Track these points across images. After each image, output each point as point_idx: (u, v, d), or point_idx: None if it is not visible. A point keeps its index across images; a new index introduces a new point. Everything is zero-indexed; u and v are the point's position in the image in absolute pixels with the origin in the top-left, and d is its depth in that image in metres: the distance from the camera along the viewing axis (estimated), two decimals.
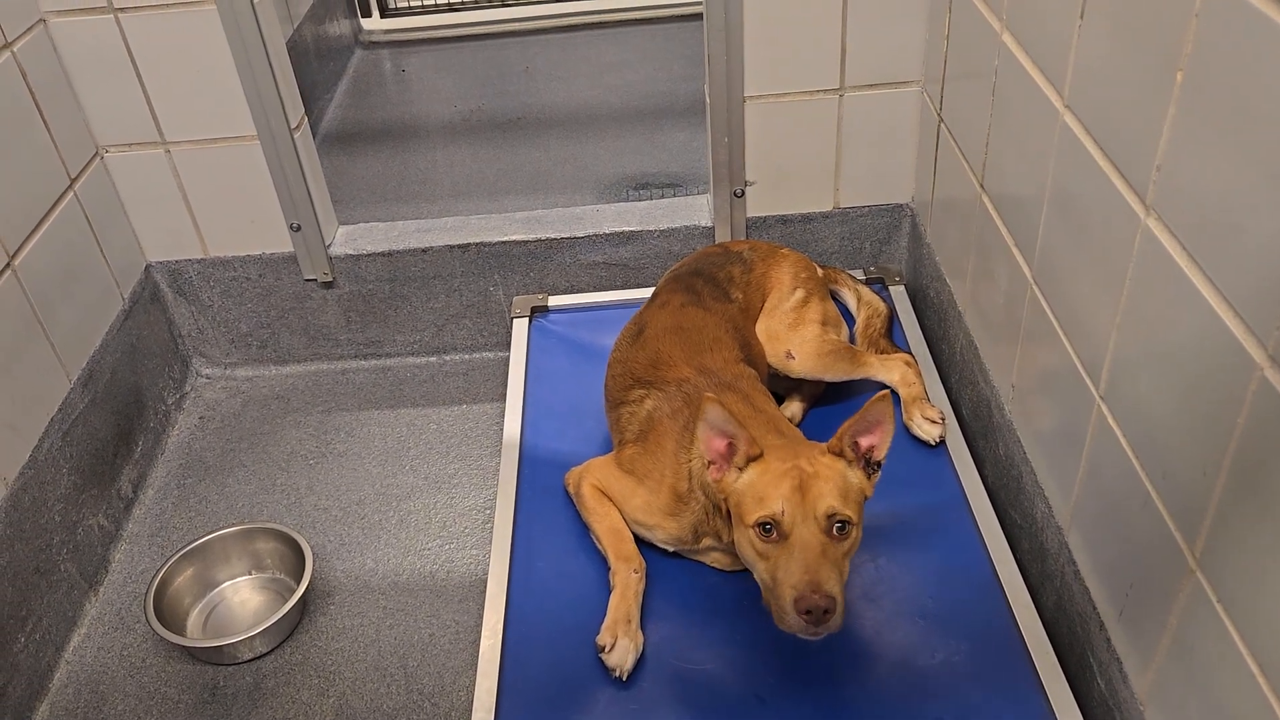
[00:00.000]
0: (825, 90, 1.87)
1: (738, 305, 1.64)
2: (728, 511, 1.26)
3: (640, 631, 1.33)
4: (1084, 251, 1.21)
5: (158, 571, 1.67)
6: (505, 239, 2.05)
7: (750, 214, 2.01)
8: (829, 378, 1.65)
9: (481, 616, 1.42)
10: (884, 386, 1.67)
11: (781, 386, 1.68)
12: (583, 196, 2.57)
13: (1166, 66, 0.97)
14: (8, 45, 1.67)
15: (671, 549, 1.44)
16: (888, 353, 1.73)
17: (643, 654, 1.32)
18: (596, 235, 2.04)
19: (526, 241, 2.05)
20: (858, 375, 1.66)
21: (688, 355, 1.49)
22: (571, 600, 1.41)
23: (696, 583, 1.42)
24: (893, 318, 1.84)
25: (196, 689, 1.58)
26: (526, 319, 1.96)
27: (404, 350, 2.19)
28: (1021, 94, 1.37)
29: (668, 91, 3.02)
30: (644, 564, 1.40)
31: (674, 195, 2.51)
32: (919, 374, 1.68)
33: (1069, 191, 1.24)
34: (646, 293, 1.78)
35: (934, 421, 1.60)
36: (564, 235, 2.04)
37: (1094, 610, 1.25)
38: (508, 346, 1.94)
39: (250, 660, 1.61)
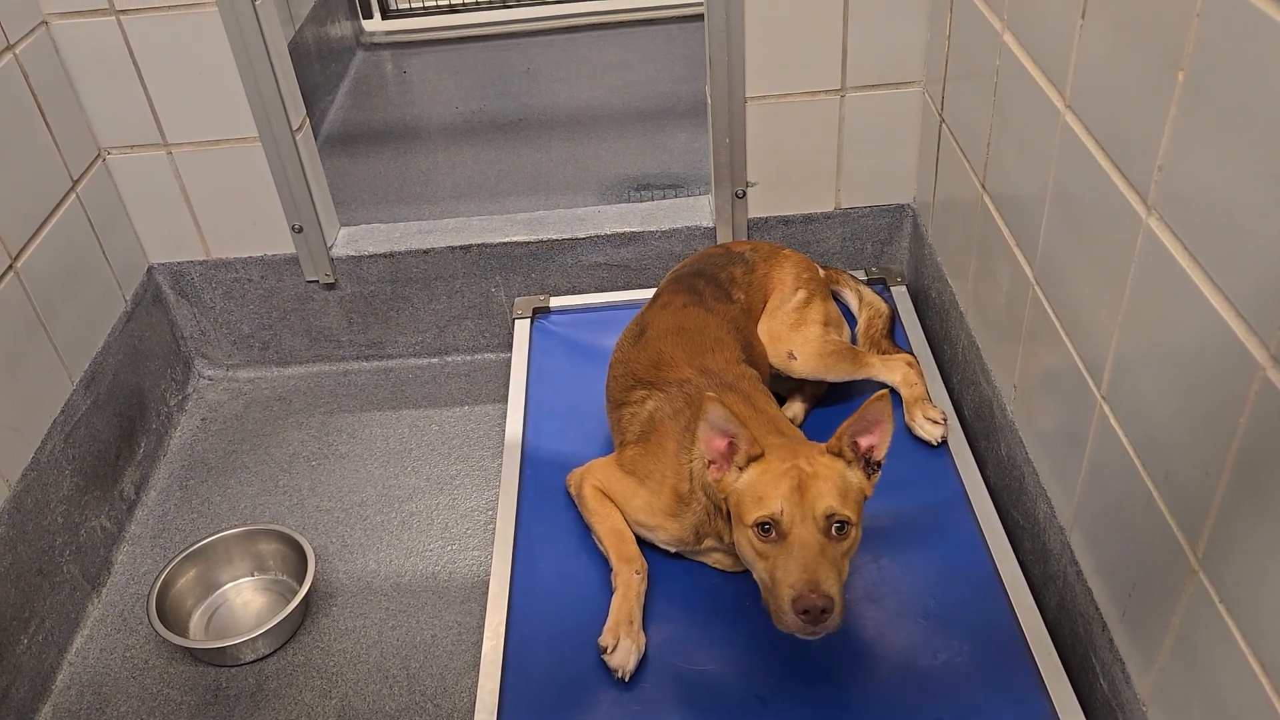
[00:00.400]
0: (826, 91, 1.87)
1: (740, 306, 1.64)
2: (728, 512, 1.26)
3: (642, 633, 1.33)
4: (1086, 251, 1.21)
5: (160, 573, 1.67)
6: (507, 240, 2.05)
7: (752, 215, 2.01)
8: (831, 378, 1.65)
9: (484, 618, 1.42)
10: (886, 387, 1.67)
11: (784, 388, 1.68)
12: (584, 197, 2.57)
13: (1168, 66, 0.97)
14: (10, 47, 1.67)
15: (673, 550, 1.44)
16: (889, 353, 1.73)
17: (645, 655, 1.32)
18: (598, 236, 2.04)
19: (528, 242, 2.05)
20: (860, 376, 1.66)
21: (689, 356, 1.49)
22: (573, 601, 1.41)
23: (698, 584, 1.42)
24: (894, 318, 1.84)
25: (199, 690, 1.58)
26: (528, 320, 1.96)
27: (406, 351, 2.19)
28: (1023, 94, 1.37)
29: (669, 92, 3.02)
30: (646, 565, 1.40)
31: (675, 196, 2.51)
32: (921, 374, 1.68)
33: (1070, 191, 1.24)
34: (648, 293, 1.78)
35: (936, 422, 1.60)
36: (565, 236, 2.04)
37: (1096, 611, 1.25)
38: (509, 347, 1.94)
39: (253, 661, 1.61)
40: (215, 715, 1.54)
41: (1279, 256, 0.84)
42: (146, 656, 1.64)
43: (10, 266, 1.63)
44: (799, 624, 1.12)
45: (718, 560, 1.42)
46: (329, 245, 2.05)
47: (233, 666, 1.60)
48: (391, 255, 2.06)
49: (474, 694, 1.32)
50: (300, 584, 1.64)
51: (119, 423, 1.89)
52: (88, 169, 1.87)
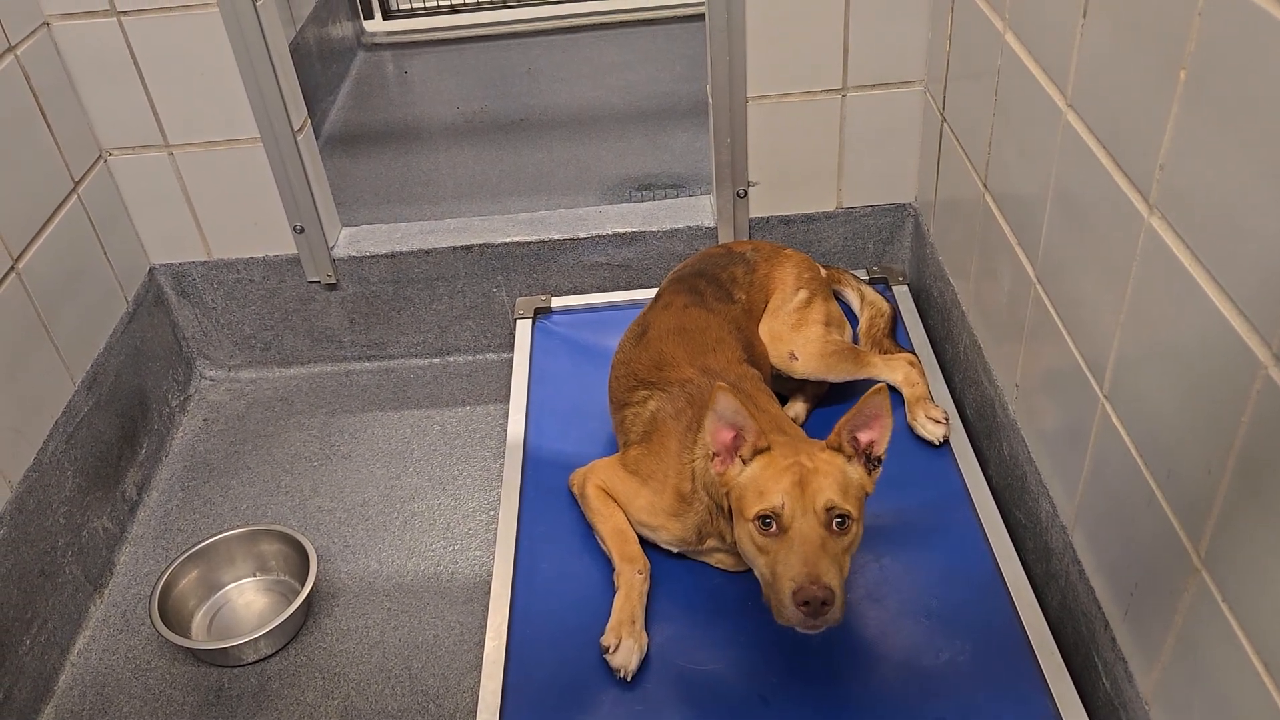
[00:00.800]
0: (828, 90, 1.87)
1: (741, 306, 1.64)
2: (730, 511, 1.26)
3: (645, 632, 1.33)
4: (1087, 250, 1.21)
5: (162, 573, 1.67)
6: (508, 240, 2.05)
7: (753, 214, 2.01)
8: (832, 378, 1.65)
9: (486, 618, 1.42)
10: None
11: (785, 387, 1.68)
12: (585, 197, 2.57)
13: (1169, 65, 0.97)
14: (11, 49, 1.67)
15: (676, 550, 1.44)
16: (891, 353, 1.73)
17: (647, 655, 1.32)
18: (599, 236, 2.04)
19: (529, 243, 2.05)
20: (861, 375, 1.66)
21: (691, 356, 1.49)
22: (575, 601, 1.41)
23: (700, 584, 1.42)
24: (896, 317, 1.84)
25: (201, 691, 1.58)
26: (530, 320, 1.96)
27: (407, 352, 2.19)
28: (1024, 93, 1.37)
29: (670, 92, 3.02)
30: (648, 565, 1.40)
31: (677, 196, 2.51)
32: (923, 374, 1.67)
33: (1072, 191, 1.24)
34: (649, 294, 1.78)
35: (938, 421, 1.60)
36: (567, 236, 2.04)
37: (1099, 609, 1.25)
38: (511, 348, 1.94)
39: (255, 662, 1.61)
40: (218, 716, 1.54)
41: None
42: (149, 657, 1.64)
43: (12, 268, 1.63)
44: (799, 616, 1.11)
45: (720, 560, 1.42)
46: (330, 246, 2.06)
47: (235, 667, 1.60)
48: (393, 256, 2.06)
49: (476, 694, 1.32)
50: (302, 584, 1.64)
51: (121, 423, 1.89)
52: (89, 170, 1.87)
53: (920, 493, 1.53)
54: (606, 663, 1.31)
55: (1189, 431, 1.00)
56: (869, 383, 1.67)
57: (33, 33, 1.73)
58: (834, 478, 1.17)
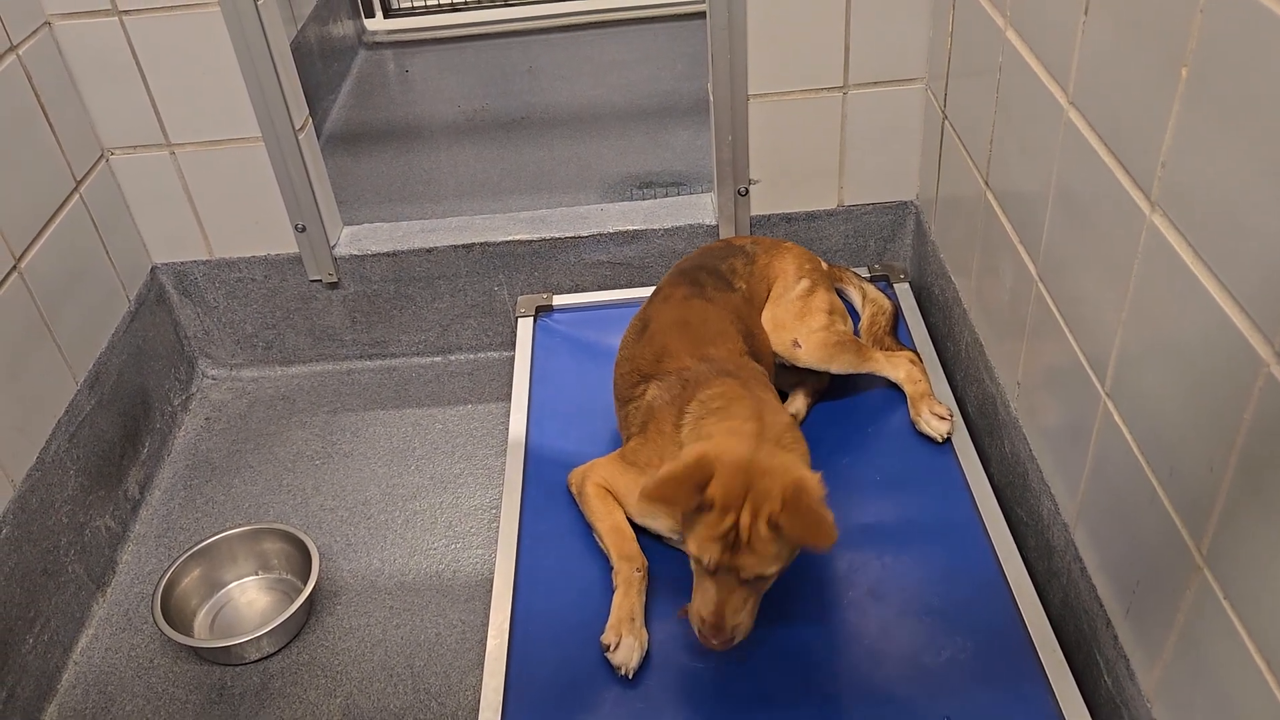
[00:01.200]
0: (829, 88, 1.87)
1: (741, 295, 1.64)
2: None
3: (645, 630, 1.33)
4: (1089, 248, 1.21)
5: (165, 572, 1.67)
6: (509, 239, 2.05)
7: (754, 212, 2.01)
8: (835, 369, 1.64)
9: (488, 616, 1.42)
10: (890, 383, 1.67)
11: (786, 383, 1.68)
12: (587, 196, 2.57)
13: (1171, 62, 0.97)
14: (13, 48, 1.68)
15: (677, 538, 1.44)
16: (892, 350, 1.73)
17: (649, 652, 1.32)
18: (601, 234, 2.04)
19: (531, 241, 2.05)
20: (864, 370, 1.65)
21: (692, 347, 1.49)
22: (577, 599, 1.41)
23: None
24: (898, 315, 1.83)
25: (204, 689, 1.58)
26: (531, 318, 1.96)
27: (409, 350, 2.19)
28: (1026, 91, 1.37)
29: (671, 90, 3.02)
30: (646, 563, 1.40)
31: (678, 194, 2.51)
32: (924, 371, 1.67)
33: (1074, 188, 1.24)
34: (651, 291, 1.78)
35: (943, 418, 1.60)
36: (568, 235, 2.04)
37: (1100, 607, 1.25)
38: (512, 346, 1.94)
39: (257, 660, 1.61)
40: (220, 714, 1.55)
41: None
42: (151, 655, 1.64)
43: (14, 267, 1.63)
44: (704, 639, 1.22)
45: None
46: (332, 244, 2.06)
47: (237, 665, 1.61)
48: (394, 254, 2.06)
49: (478, 692, 1.32)
50: (304, 583, 1.64)
51: (123, 422, 1.89)
52: (91, 169, 1.88)
53: (921, 491, 1.53)
54: (607, 661, 1.31)
55: (1191, 429, 1.00)
56: (871, 380, 1.68)
57: (34, 32, 1.73)
58: (763, 555, 1.18)
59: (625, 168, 2.68)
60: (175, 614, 1.64)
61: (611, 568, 1.41)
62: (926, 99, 1.87)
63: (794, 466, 1.21)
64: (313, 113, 2.04)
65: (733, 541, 1.18)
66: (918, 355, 1.73)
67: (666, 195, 2.50)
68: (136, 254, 2.01)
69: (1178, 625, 1.06)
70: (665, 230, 2.03)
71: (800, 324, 1.63)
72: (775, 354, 1.62)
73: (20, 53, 1.69)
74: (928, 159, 1.90)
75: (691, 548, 1.21)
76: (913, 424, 1.62)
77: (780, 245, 1.76)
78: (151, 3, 1.76)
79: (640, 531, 1.45)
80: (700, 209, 2.06)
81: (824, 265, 1.78)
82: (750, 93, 1.86)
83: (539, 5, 3.54)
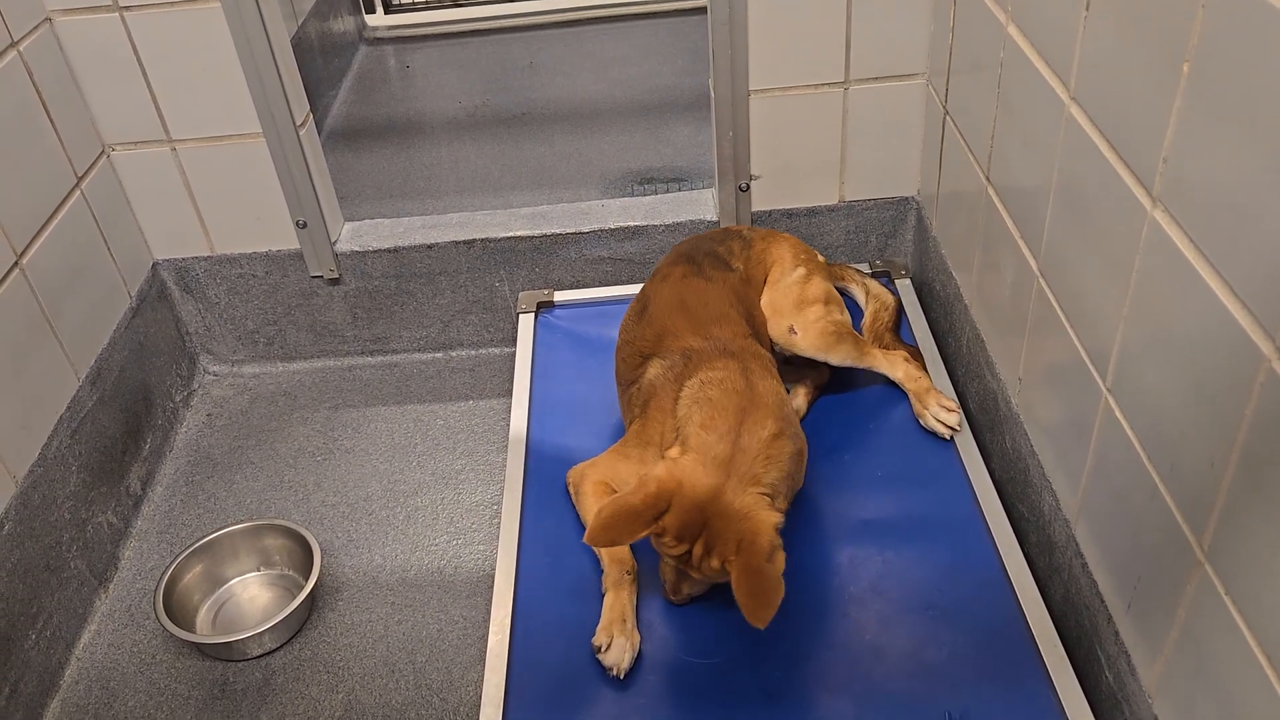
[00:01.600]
0: (830, 84, 1.86)
1: (739, 275, 1.64)
2: None
3: (637, 630, 1.33)
4: (1090, 244, 1.21)
5: (167, 568, 1.67)
6: (511, 234, 2.05)
7: (755, 208, 2.00)
8: (833, 360, 1.63)
9: (489, 612, 1.42)
10: (888, 381, 1.67)
11: (788, 378, 1.68)
12: (588, 191, 2.57)
13: (1173, 58, 0.97)
14: (14, 44, 1.68)
15: None
16: (891, 348, 1.72)
17: (642, 650, 1.32)
18: (602, 230, 2.04)
19: (532, 237, 2.05)
20: (861, 364, 1.65)
21: (694, 327, 1.49)
22: (579, 595, 1.41)
23: None
24: (901, 311, 1.83)
25: (206, 685, 1.59)
26: (532, 314, 1.96)
27: (410, 346, 2.19)
28: (1027, 86, 1.36)
29: (672, 86, 3.02)
30: (636, 565, 1.39)
31: (679, 190, 2.51)
32: (922, 367, 1.67)
33: (1075, 184, 1.24)
34: None
35: (950, 409, 1.59)
36: (569, 230, 2.04)
37: (1102, 603, 1.25)
38: (514, 342, 1.94)
39: (259, 656, 1.61)
40: (222, 710, 1.55)
41: None
42: (154, 651, 1.64)
43: (15, 264, 1.64)
44: (665, 597, 1.37)
45: None
46: (333, 240, 2.06)
47: (239, 661, 1.61)
48: (395, 250, 2.06)
49: (480, 688, 1.33)
50: (306, 579, 1.64)
51: (125, 419, 1.89)
52: (92, 166, 1.88)
53: (923, 486, 1.53)
54: (599, 662, 1.31)
55: (1192, 425, 1.00)
56: (871, 376, 1.68)
57: (35, 28, 1.73)
58: (712, 576, 1.25)
59: (626, 163, 2.68)
60: (177, 610, 1.64)
61: (602, 570, 1.41)
62: (928, 94, 1.87)
63: (751, 515, 1.21)
64: (313, 108, 2.04)
65: (685, 560, 1.25)
66: (916, 352, 1.73)
67: (668, 191, 2.50)
68: (138, 250, 2.02)
69: (1179, 621, 1.06)
70: (666, 226, 2.03)
71: (797, 312, 1.62)
72: (773, 342, 1.62)
73: (21, 49, 1.69)
74: (929, 154, 1.90)
75: (653, 544, 1.29)
76: (918, 421, 1.61)
77: (776, 234, 1.76)
78: None
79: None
80: (701, 204, 2.06)
81: (820, 258, 1.77)
82: (751, 88, 1.86)
83: (539, 0, 3.54)
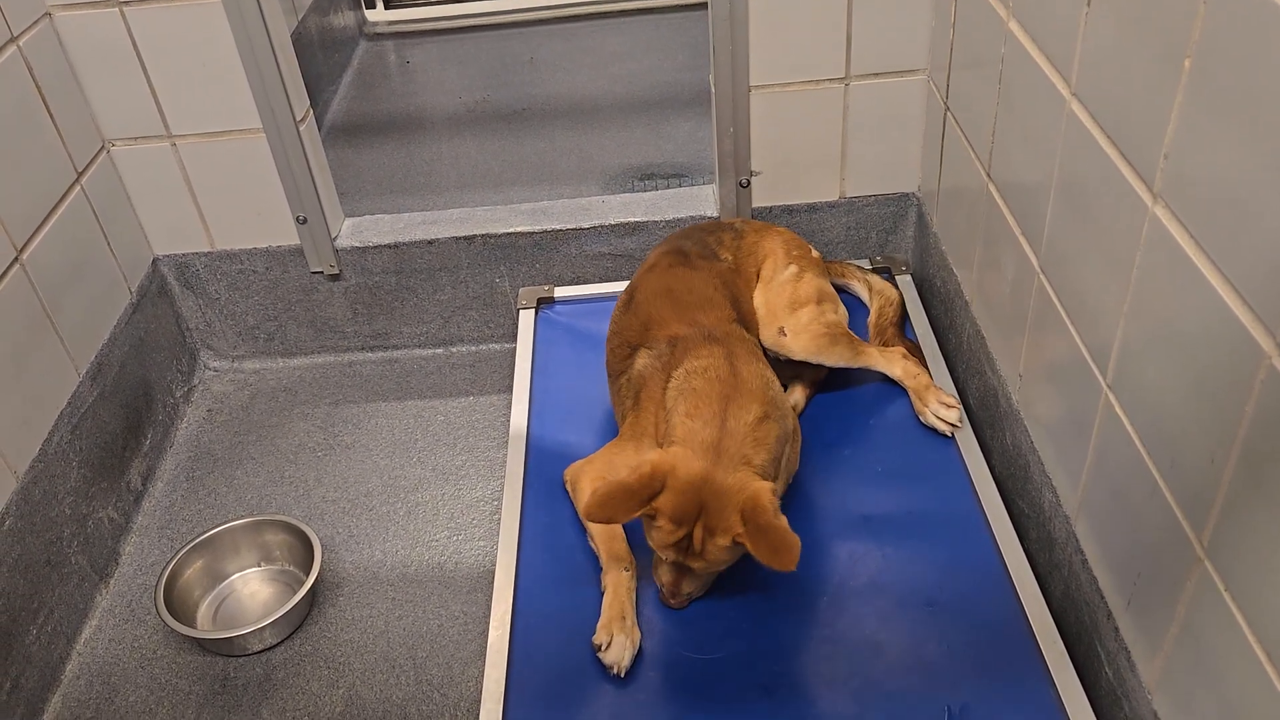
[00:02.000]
0: (831, 79, 1.86)
1: (728, 265, 1.64)
2: None
3: (637, 628, 1.33)
4: (1091, 239, 1.21)
5: (168, 564, 1.68)
6: (511, 230, 2.05)
7: (756, 204, 2.00)
8: (828, 362, 1.62)
9: (489, 607, 1.42)
10: (888, 379, 1.67)
11: (785, 375, 1.67)
12: (588, 187, 2.57)
13: (1174, 53, 0.97)
14: (14, 39, 1.67)
15: None
16: (892, 344, 1.72)
17: (649, 644, 1.33)
18: (602, 226, 2.04)
19: (532, 233, 2.05)
20: (857, 364, 1.64)
21: (679, 314, 1.49)
22: (579, 590, 1.41)
23: None
24: (904, 306, 1.83)
25: (207, 680, 1.59)
26: (533, 310, 1.96)
27: (410, 342, 2.19)
28: (1028, 82, 1.36)
29: (672, 82, 3.01)
30: (635, 563, 1.39)
31: (679, 186, 2.51)
32: (921, 363, 1.67)
33: (1076, 180, 1.24)
34: None
35: (951, 405, 1.59)
36: (569, 226, 2.04)
37: (1101, 599, 1.25)
38: (514, 338, 1.94)
39: (260, 652, 1.62)
40: (223, 705, 1.55)
41: None
42: (155, 646, 1.65)
43: (16, 259, 1.64)
44: (663, 601, 1.36)
45: None
46: (333, 236, 2.06)
47: (240, 656, 1.61)
48: (396, 246, 2.06)
49: (480, 683, 1.33)
50: (307, 574, 1.65)
51: (125, 414, 1.89)
52: (92, 161, 1.87)
53: (923, 482, 1.53)
54: (599, 660, 1.31)
55: (1192, 421, 1.00)
56: (870, 374, 1.67)
57: (35, 23, 1.73)
58: (714, 558, 1.26)
59: (627, 159, 2.68)
60: (178, 605, 1.64)
61: (600, 569, 1.41)
62: (929, 90, 1.86)
63: (746, 485, 1.22)
64: (314, 104, 2.04)
65: (685, 548, 1.25)
66: (916, 347, 1.73)
67: (668, 187, 2.50)
68: (138, 246, 2.01)
69: (1179, 617, 1.06)
70: (667, 222, 2.03)
71: (789, 314, 1.61)
72: (764, 348, 1.60)
73: (21, 44, 1.69)
74: (929, 150, 1.90)
75: (649, 542, 1.29)
76: (919, 419, 1.61)
77: (770, 227, 1.76)
78: None
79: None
80: (702, 200, 2.06)
81: (814, 253, 1.76)
82: (752, 84, 1.85)
83: None
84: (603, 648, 1.30)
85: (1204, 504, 0.99)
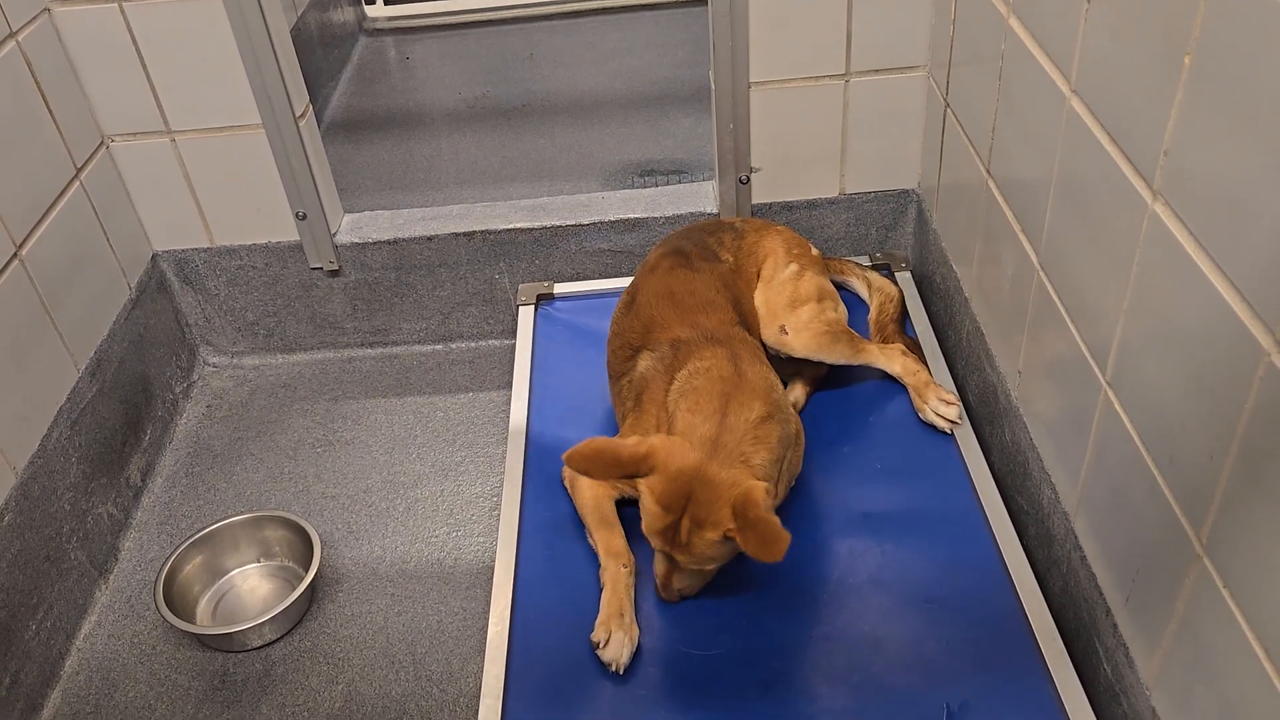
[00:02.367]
0: (831, 76, 1.86)
1: (729, 266, 1.64)
2: None
3: (635, 625, 1.34)
4: (1091, 237, 1.21)
5: (167, 559, 1.68)
6: (510, 226, 2.05)
7: (756, 200, 2.00)
8: (828, 360, 1.63)
9: (489, 603, 1.42)
10: (887, 376, 1.67)
11: (784, 372, 1.67)
12: (588, 183, 2.57)
13: (1174, 50, 0.97)
14: (12, 35, 1.67)
15: None
16: (892, 340, 1.72)
17: (648, 640, 1.33)
18: (602, 222, 2.04)
19: (532, 229, 2.05)
20: (858, 361, 1.64)
21: (681, 316, 1.49)
22: (578, 586, 1.41)
23: None
24: (905, 302, 1.83)
25: (206, 676, 1.59)
26: (532, 306, 1.96)
27: (410, 338, 2.19)
28: (1028, 79, 1.36)
29: (672, 78, 3.01)
30: (633, 559, 1.40)
31: (679, 182, 2.50)
32: (920, 360, 1.67)
33: (1076, 177, 1.24)
34: None
35: (950, 403, 1.59)
36: (569, 222, 2.04)
37: (1100, 596, 1.25)
38: (514, 334, 1.94)
39: (259, 647, 1.62)
40: (222, 700, 1.55)
41: None
42: (154, 642, 1.65)
43: (15, 255, 1.63)
44: (659, 595, 1.36)
45: None
46: (333, 232, 2.06)
47: (240, 652, 1.61)
48: (395, 242, 2.06)
49: (480, 679, 1.33)
50: (306, 570, 1.65)
51: (125, 410, 1.89)
52: (91, 157, 1.87)
53: (922, 479, 1.53)
54: (598, 657, 1.31)
55: (1191, 418, 1.01)
56: (870, 371, 1.67)
57: (34, 19, 1.73)
58: (700, 553, 1.25)
59: (626, 155, 2.67)
60: (177, 601, 1.64)
61: (599, 566, 1.41)
62: (928, 87, 1.86)
63: (739, 481, 1.22)
64: (313, 100, 2.03)
65: (671, 538, 1.24)
66: (915, 344, 1.73)
67: (668, 183, 2.49)
68: (137, 241, 2.01)
69: (1177, 614, 1.06)
70: (666, 218, 2.03)
71: (790, 312, 1.62)
72: (765, 345, 1.61)
73: (20, 39, 1.69)
74: (929, 147, 1.90)
75: (644, 527, 1.29)
76: (918, 415, 1.61)
77: (770, 226, 1.76)
78: None
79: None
80: (702, 197, 2.06)
81: (814, 251, 1.77)
82: (752, 80, 1.85)
83: None
84: (601, 645, 1.30)
85: (1203, 501, 0.99)
